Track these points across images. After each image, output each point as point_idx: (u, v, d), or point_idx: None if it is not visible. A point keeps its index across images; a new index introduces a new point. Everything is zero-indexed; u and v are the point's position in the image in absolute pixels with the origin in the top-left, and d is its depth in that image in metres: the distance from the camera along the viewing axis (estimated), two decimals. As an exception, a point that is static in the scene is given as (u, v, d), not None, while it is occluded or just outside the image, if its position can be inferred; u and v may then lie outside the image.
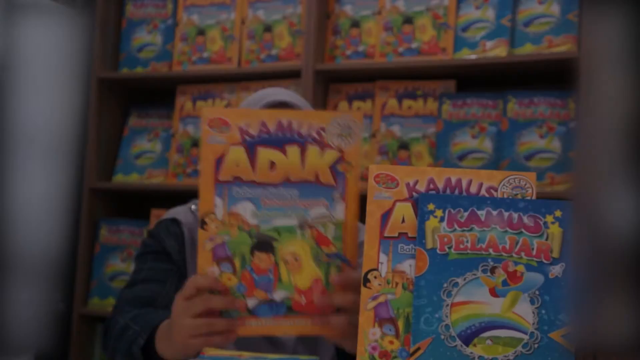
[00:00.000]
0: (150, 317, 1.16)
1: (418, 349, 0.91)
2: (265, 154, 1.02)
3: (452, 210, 0.94)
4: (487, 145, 2.06)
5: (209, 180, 1.01)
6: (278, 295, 1.02)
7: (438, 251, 0.93)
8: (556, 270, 0.92)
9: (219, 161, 1.01)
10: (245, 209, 1.00)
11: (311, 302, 1.02)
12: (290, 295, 1.02)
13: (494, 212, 0.94)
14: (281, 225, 1.02)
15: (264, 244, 1.02)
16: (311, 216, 1.02)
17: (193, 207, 1.38)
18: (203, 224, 1.00)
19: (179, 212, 1.39)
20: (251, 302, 1.02)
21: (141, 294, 1.29)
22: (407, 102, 2.16)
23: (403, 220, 0.95)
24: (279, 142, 1.02)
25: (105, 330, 1.29)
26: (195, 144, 2.37)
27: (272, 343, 1.30)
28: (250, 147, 1.02)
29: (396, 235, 0.95)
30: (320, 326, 1.03)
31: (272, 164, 1.02)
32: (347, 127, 1.02)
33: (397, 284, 0.94)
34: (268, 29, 2.32)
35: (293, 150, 1.02)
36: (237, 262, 1.01)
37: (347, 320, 1.01)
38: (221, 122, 1.01)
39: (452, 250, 0.93)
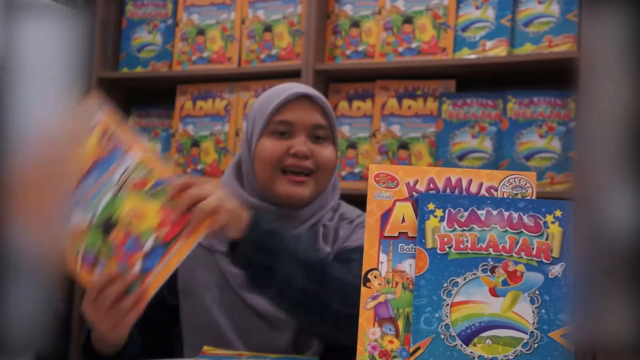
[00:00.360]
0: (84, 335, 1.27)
1: (418, 348, 0.91)
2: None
3: (452, 210, 0.94)
4: (487, 145, 2.06)
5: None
6: (148, 243, 1.10)
7: (438, 251, 0.93)
8: (556, 270, 0.92)
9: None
10: (77, 215, 1.11)
11: (173, 224, 1.10)
12: (156, 235, 1.10)
13: (494, 212, 0.94)
14: (104, 203, 1.11)
15: (106, 226, 1.11)
16: (116, 179, 1.12)
17: None
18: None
19: None
20: (137, 267, 1.10)
21: None
22: (407, 102, 2.16)
23: (403, 220, 0.95)
24: None
25: None
26: (195, 143, 2.37)
27: (269, 325, 1.30)
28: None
29: (396, 234, 0.95)
30: (194, 228, 1.09)
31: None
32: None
33: (397, 283, 0.94)
34: (268, 28, 2.32)
35: None
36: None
37: (206, 207, 1.08)
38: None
39: (452, 250, 0.93)
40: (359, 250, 1.05)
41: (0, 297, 0.61)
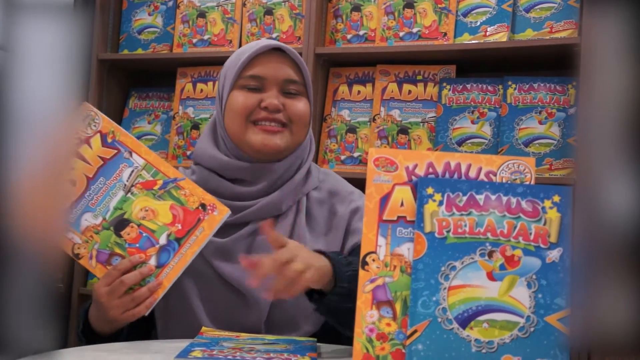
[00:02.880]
0: (83, 306, 1.30)
1: (415, 331, 0.92)
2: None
3: (450, 195, 0.95)
4: (487, 130, 2.06)
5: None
6: (162, 239, 1.18)
7: (436, 235, 0.94)
8: (553, 255, 0.93)
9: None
10: (87, 219, 1.19)
11: (185, 221, 1.18)
12: (169, 232, 1.18)
13: (493, 197, 0.94)
14: (115, 203, 1.19)
15: (119, 224, 1.19)
16: (125, 179, 1.19)
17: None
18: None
19: None
20: (153, 261, 1.18)
21: None
22: (407, 87, 2.16)
23: (402, 204, 0.96)
24: None
25: None
26: (196, 126, 2.37)
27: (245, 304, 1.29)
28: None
29: (395, 218, 0.96)
30: (206, 222, 1.18)
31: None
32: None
33: (395, 267, 0.95)
34: (269, 12, 2.31)
35: None
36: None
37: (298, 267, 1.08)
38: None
39: (451, 234, 0.94)
40: None
41: (1, 274, 0.61)
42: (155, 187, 1.19)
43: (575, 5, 1.97)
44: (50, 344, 0.76)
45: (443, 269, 0.93)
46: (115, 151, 1.21)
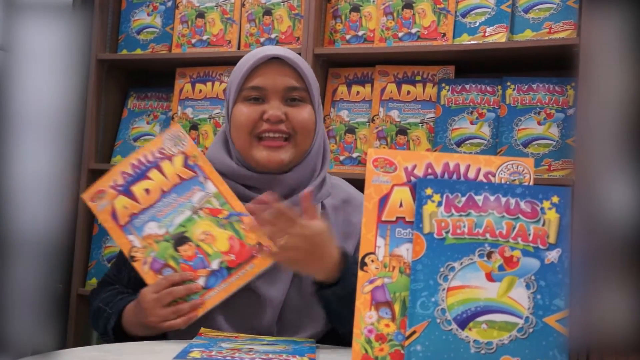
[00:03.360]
0: (118, 302, 1.33)
1: (414, 332, 0.92)
2: None
3: (449, 195, 0.95)
4: (486, 131, 2.06)
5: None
6: (214, 264, 1.24)
7: (435, 235, 0.94)
8: (552, 255, 0.93)
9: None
10: (152, 227, 1.24)
11: (239, 254, 1.24)
12: (222, 259, 1.24)
13: (492, 198, 0.94)
14: (180, 220, 1.25)
15: (179, 240, 1.25)
16: (195, 202, 1.26)
17: None
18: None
19: None
20: (201, 281, 1.24)
21: (107, 279, 1.46)
22: (406, 87, 2.16)
23: (401, 205, 0.96)
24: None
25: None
26: (194, 126, 2.37)
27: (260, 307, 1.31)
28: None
29: (394, 219, 0.96)
30: (258, 260, 1.23)
31: None
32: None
33: (394, 267, 0.95)
34: (268, 12, 2.31)
35: None
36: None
37: (279, 244, 1.14)
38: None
39: (449, 234, 0.94)
40: None
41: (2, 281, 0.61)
42: (220, 216, 1.25)
43: (574, 6, 1.97)
44: (49, 344, 0.76)
45: (442, 269, 0.93)
46: (193, 174, 1.28)
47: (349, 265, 1.16)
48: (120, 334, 1.31)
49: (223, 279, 1.24)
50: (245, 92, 1.34)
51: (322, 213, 1.38)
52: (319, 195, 1.37)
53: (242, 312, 1.30)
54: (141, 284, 1.28)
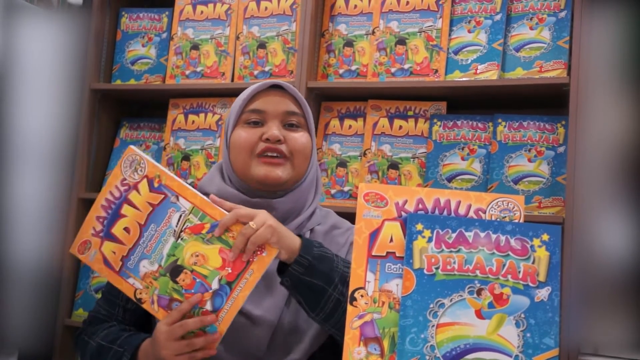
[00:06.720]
0: (128, 339, 1.31)
1: (403, 368, 0.91)
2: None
3: (440, 231, 0.95)
4: (477, 167, 2.07)
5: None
6: (214, 284, 1.20)
7: (425, 271, 0.94)
8: (542, 294, 0.93)
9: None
10: (145, 265, 1.22)
11: (234, 264, 1.19)
12: (220, 276, 1.20)
13: (482, 234, 0.94)
14: (167, 250, 1.21)
15: (174, 271, 1.21)
16: (174, 225, 1.21)
17: None
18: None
19: None
20: (208, 305, 1.20)
21: (98, 315, 1.43)
22: (398, 122, 2.17)
23: (391, 240, 0.96)
24: None
25: (78, 348, 1.41)
26: (186, 157, 2.37)
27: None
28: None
29: (384, 254, 0.96)
30: (255, 264, 1.20)
31: None
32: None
33: (383, 303, 0.95)
34: (262, 45, 2.33)
35: None
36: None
37: (257, 240, 1.17)
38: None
39: (439, 271, 0.94)
40: None
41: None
42: (203, 231, 1.21)
43: (564, 46, 2.00)
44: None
45: (432, 306, 0.93)
46: (163, 196, 1.23)
47: (309, 240, 1.22)
48: None
49: (227, 295, 1.20)
50: (245, 115, 1.38)
51: (311, 237, 1.40)
52: (309, 223, 1.40)
53: (234, 333, 1.29)
54: (138, 316, 1.27)
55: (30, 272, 2.19)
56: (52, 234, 2.33)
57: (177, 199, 1.22)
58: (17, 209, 1.96)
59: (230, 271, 1.20)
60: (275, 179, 1.34)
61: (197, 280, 1.20)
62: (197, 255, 1.21)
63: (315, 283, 1.17)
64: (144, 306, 1.22)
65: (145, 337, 1.29)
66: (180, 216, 1.21)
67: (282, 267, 1.22)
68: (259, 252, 1.19)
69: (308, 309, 1.21)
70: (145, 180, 1.24)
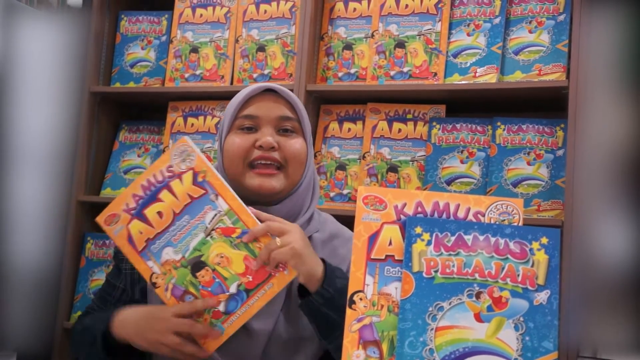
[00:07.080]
0: (104, 314, 1.30)
1: (402, 372, 0.91)
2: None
3: (439, 234, 0.95)
4: (476, 170, 2.07)
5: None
6: (232, 288, 1.20)
7: (424, 275, 0.94)
8: (541, 297, 0.93)
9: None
10: (168, 253, 1.22)
11: (256, 274, 1.20)
12: (239, 282, 1.20)
13: (481, 237, 0.94)
14: (195, 244, 1.22)
15: (196, 265, 1.21)
16: (207, 222, 1.22)
17: None
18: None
19: None
20: (221, 307, 1.21)
21: (90, 310, 1.44)
22: (397, 125, 2.17)
23: (390, 243, 0.96)
24: None
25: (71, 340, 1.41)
26: (185, 160, 2.37)
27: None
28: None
29: (383, 257, 0.96)
30: (276, 279, 1.20)
31: None
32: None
33: (382, 306, 0.94)
34: (261, 48, 2.33)
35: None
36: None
37: (278, 257, 1.17)
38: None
39: (438, 274, 0.94)
40: None
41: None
42: (233, 235, 1.21)
43: (563, 49, 2.00)
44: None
45: (430, 309, 0.93)
46: (203, 192, 1.23)
47: (332, 268, 1.20)
48: (108, 344, 1.27)
49: (243, 302, 1.21)
50: (238, 121, 1.36)
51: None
52: (307, 229, 1.38)
53: (229, 339, 1.29)
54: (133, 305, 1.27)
55: (29, 275, 2.19)
56: (51, 236, 2.33)
57: (216, 198, 1.23)
58: (17, 211, 1.96)
59: (250, 279, 1.20)
60: (270, 189, 1.33)
61: (216, 280, 1.21)
62: (222, 257, 1.21)
63: (333, 317, 1.15)
64: (157, 291, 1.22)
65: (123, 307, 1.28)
66: (215, 215, 1.22)
67: (303, 290, 1.21)
68: (281, 269, 1.19)
69: (320, 336, 1.21)
70: (190, 172, 1.24)
